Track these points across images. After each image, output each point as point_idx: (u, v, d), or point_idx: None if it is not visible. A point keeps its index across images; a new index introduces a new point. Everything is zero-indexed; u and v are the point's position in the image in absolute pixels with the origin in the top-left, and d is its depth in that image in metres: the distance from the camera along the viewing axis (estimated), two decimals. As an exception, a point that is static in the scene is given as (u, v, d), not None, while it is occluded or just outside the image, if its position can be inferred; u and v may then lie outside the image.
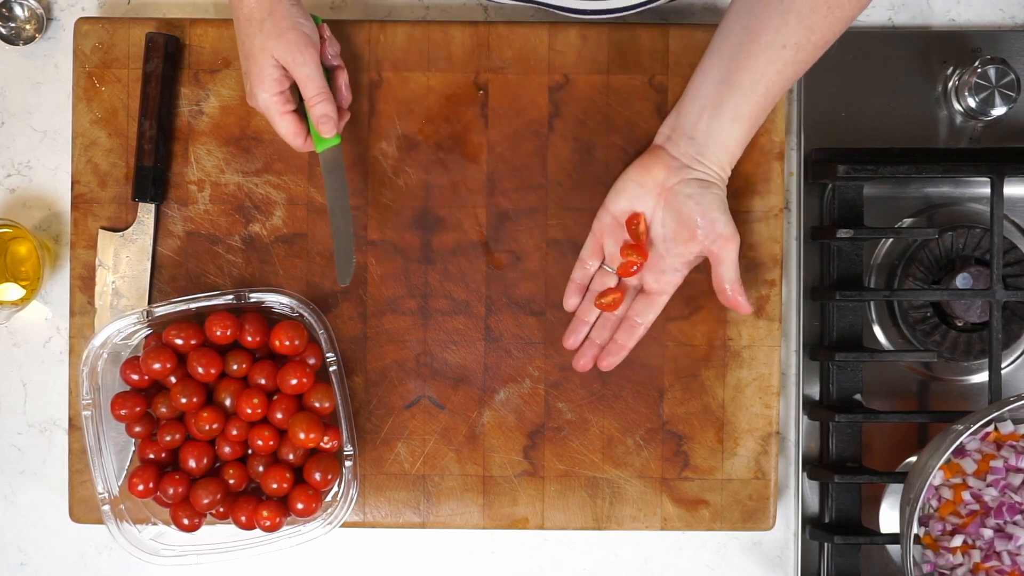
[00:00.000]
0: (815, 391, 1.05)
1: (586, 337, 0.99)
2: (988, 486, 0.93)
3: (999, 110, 1.02)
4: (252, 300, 0.99)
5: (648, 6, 1.00)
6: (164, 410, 0.99)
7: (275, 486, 0.98)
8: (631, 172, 0.96)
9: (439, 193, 1.02)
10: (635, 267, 0.96)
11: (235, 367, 0.99)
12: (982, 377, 1.05)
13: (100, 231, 1.02)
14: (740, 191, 1.01)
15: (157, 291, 1.02)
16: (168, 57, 1.00)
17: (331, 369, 0.98)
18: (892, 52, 1.05)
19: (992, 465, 0.94)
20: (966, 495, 0.94)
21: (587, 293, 0.99)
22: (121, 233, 1.02)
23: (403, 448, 1.02)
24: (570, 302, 0.99)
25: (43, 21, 1.05)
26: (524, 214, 1.02)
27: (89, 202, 1.02)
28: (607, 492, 1.02)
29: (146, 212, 1.01)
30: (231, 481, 0.99)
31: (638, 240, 0.95)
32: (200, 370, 0.98)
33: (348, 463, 0.98)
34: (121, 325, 0.98)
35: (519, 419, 1.02)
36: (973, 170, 1.01)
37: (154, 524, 1.01)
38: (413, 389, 1.02)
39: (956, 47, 1.05)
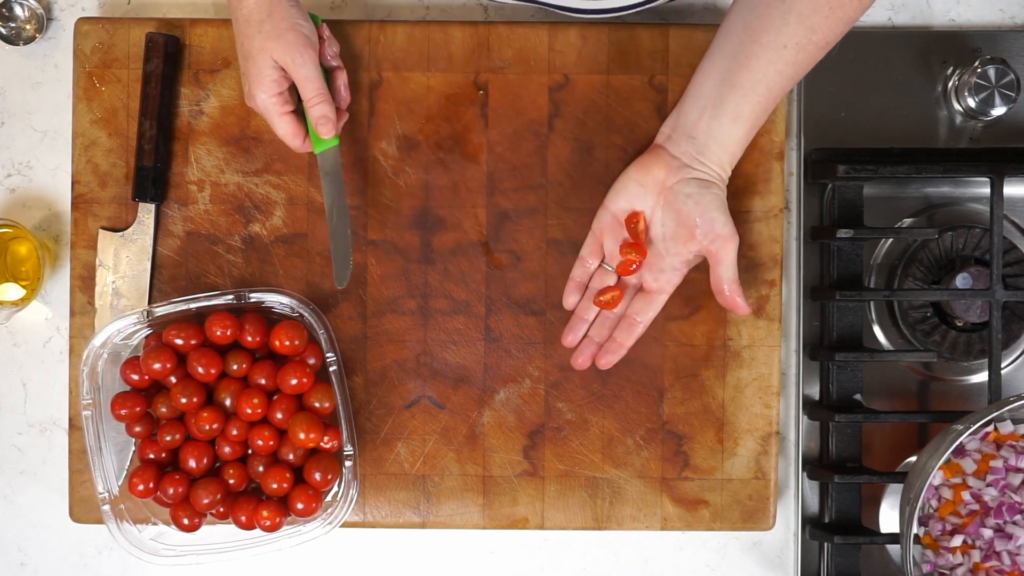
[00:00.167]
0: (815, 391, 1.05)
1: (585, 335, 0.99)
2: (988, 486, 0.93)
3: (999, 110, 1.02)
4: (252, 300, 0.99)
5: (648, 5, 1.00)
6: (164, 410, 0.99)
7: (275, 486, 0.98)
8: (631, 171, 0.96)
9: (439, 193, 1.02)
10: (634, 265, 0.96)
11: (235, 367, 0.99)
12: (982, 377, 1.05)
13: (100, 231, 1.02)
14: (740, 191, 1.01)
15: (157, 291, 1.02)
16: (168, 57, 1.00)
17: (331, 369, 0.98)
18: (892, 52, 1.05)
19: (992, 465, 0.94)
20: (966, 495, 0.94)
21: (586, 292, 0.99)
22: (121, 233, 1.02)
23: (403, 448, 1.02)
24: (569, 300, 0.99)
25: (43, 21, 1.05)
26: (524, 214, 1.02)
27: (89, 202, 1.02)
28: (607, 492, 1.02)
29: (146, 212, 1.01)
30: (231, 481, 0.99)
31: (637, 239, 0.95)
32: (200, 370, 0.98)
33: (348, 463, 0.98)
34: (121, 325, 0.98)
35: (519, 419, 1.02)
36: (973, 170, 1.01)
37: (154, 524, 1.01)
38: (413, 389, 1.02)
39: (956, 47, 1.05)
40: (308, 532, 0.98)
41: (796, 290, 1.05)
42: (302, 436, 0.97)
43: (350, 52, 1.01)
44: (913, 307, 1.04)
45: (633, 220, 0.95)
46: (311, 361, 1.00)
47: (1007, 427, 0.95)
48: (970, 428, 0.91)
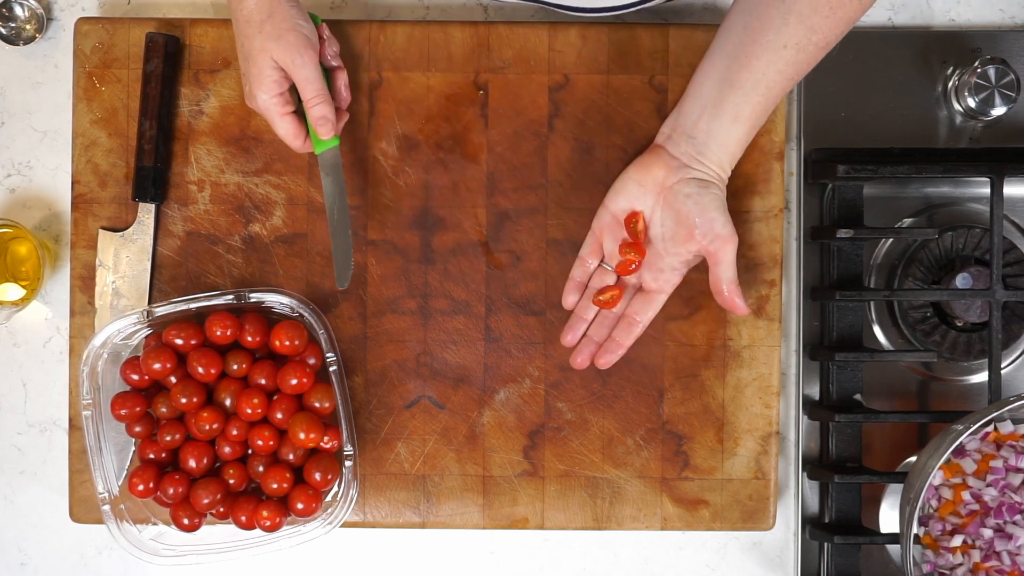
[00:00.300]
0: (815, 391, 1.05)
1: (584, 335, 0.99)
2: (988, 486, 0.93)
3: (999, 110, 1.02)
4: (252, 300, 0.99)
5: (647, 4, 1.00)
6: (164, 410, 0.99)
7: (275, 486, 0.98)
8: (631, 171, 0.96)
9: (439, 193, 1.02)
10: (633, 265, 0.96)
11: (235, 367, 0.99)
12: (982, 377, 1.05)
13: (100, 231, 1.02)
14: (740, 191, 1.01)
15: (157, 291, 1.02)
16: (168, 57, 1.00)
17: (331, 369, 0.99)
18: (892, 52, 1.05)
19: (992, 465, 0.94)
20: (966, 495, 0.94)
21: (586, 291, 0.99)
22: (121, 233, 1.02)
23: (403, 448, 1.02)
24: (569, 299, 0.99)
25: (43, 21, 1.05)
26: (524, 214, 1.02)
27: (89, 202, 1.02)
28: (607, 492, 1.02)
29: (146, 212, 1.01)
30: (231, 481, 0.99)
31: (636, 238, 0.95)
32: (200, 370, 0.98)
33: (348, 463, 0.98)
34: (121, 325, 0.98)
35: (519, 419, 1.02)
36: (973, 170, 1.01)
37: (154, 524, 1.01)
38: (413, 389, 1.02)
39: (956, 47, 1.05)
40: (308, 532, 0.98)
41: (796, 290, 1.05)
42: (302, 436, 0.97)
43: (350, 52, 1.01)
44: (913, 307, 1.04)
45: (632, 220, 0.95)
46: (311, 361, 1.00)
47: (1007, 427, 0.95)
48: (970, 428, 0.91)
